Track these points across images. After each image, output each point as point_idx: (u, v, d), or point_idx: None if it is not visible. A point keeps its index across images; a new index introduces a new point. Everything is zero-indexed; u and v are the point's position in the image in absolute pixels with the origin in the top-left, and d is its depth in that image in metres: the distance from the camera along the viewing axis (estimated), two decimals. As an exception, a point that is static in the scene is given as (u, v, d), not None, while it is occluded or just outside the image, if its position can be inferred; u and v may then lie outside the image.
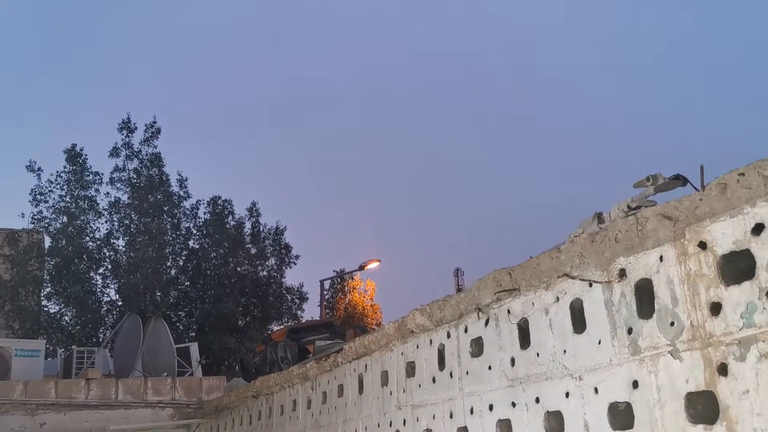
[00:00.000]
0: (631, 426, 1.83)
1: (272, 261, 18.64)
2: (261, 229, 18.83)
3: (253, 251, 18.36)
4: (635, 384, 1.82)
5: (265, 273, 18.47)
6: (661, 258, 1.78)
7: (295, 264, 18.90)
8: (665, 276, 1.76)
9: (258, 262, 18.33)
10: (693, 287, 1.68)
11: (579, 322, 2.08)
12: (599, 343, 1.97)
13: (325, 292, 19.23)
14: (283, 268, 18.71)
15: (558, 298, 2.16)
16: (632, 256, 1.87)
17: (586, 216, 2.19)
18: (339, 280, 21.54)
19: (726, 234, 1.64)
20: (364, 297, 21.94)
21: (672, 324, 1.73)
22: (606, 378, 1.93)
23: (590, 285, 2.02)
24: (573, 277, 2.07)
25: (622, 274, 1.90)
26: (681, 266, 1.72)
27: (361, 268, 19.56)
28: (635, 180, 2.00)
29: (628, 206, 1.95)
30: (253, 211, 18.78)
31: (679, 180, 1.94)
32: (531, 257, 2.29)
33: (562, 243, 2.22)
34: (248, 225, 18.69)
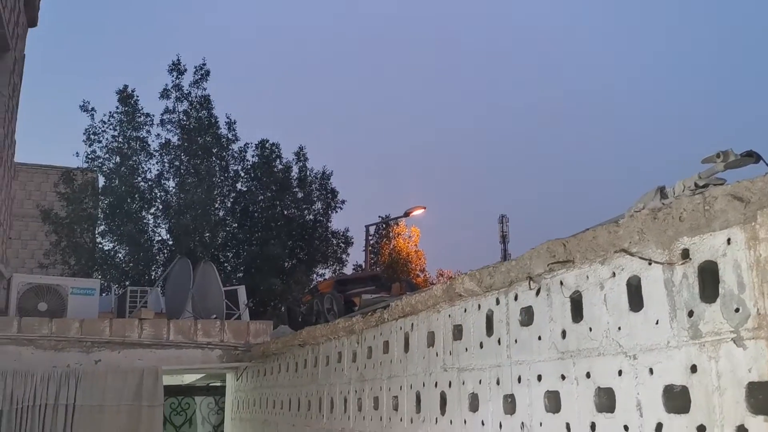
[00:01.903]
0: (686, 410, 1.78)
1: (318, 205, 18.80)
2: (308, 173, 18.92)
3: (299, 195, 18.53)
4: (693, 368, 1.76)
5: (311, 217, 18.66)
6: (728, 241, 1.70)
7: (341, 209, 19.03)
8: (732, 260, 1.68)
9: (304, 206, 18.51)
10: (762, 274, 1.60)
11: (636, 301, 2.01)
12: (657, 323, 1.91)
13: (370, 238, 19.38)
14: (329, 212, 18.87)
15: (614, 274, 2.09)
16: (697, 236, 1.79)
17: (647, 190, 2.10)
18: (384, 226, 21.64)
19: (802, 219, 1.54)
20: (408, 243, 22.04)
21: (737, 310, 1.65)
22: (662, 359, 1.87)
23: (650, 263, 1.94)
24: (632, 254, 2.00)
25: (685, 255, 1.81)
26: (750, 251, 1.63)
27: (406, 214, 19.60)
28: (704, 156, 1.89)
29: (695, 184, 1.85)
30: (300, 155, 18.85)
31: (752, 157, 1.83)
32: (587, 229, 2.22)
33: (620, 216, 2.14)
34: (295, 169, 18.80)
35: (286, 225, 17.89)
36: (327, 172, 18.78)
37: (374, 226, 20.64)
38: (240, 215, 17.91)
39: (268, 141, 18.49)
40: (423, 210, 19.33)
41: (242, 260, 17.52)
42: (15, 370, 5.82)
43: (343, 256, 18.75)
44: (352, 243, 19.03)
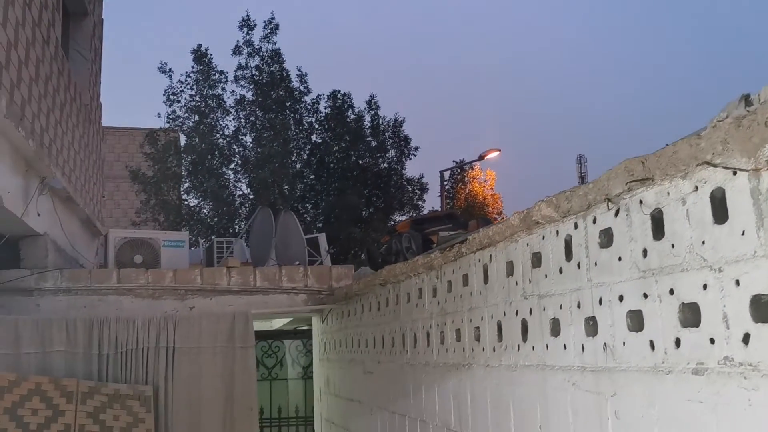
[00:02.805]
0: (775, 319, 1.75)
1: (392, 153, 18.89)
2: (380, 121, 18.98)
3: (373, 144, 18.66)
4: (782, 277, 1.72)
5: (385, 165, 18.79)
6: (818, 142, 1.63)
7: (415, 156, 19.07)
8: (823, 162, 1.61)
9: (378, 155, 18.64)
10: None
11: (720, 213, 1.96)
12: (743, 234, 1.86)
13: (445, 183, 19.36)
14: (403, 159, 18.95)
15: (696, 188, 2.04)
16: (785, 141, 1.72)
17: (731, 99, 2.02)
18: (459, 170, 21.53)
19: None
20: (484, 187, 21.89)
21: (828, 214, 1.60)
22: (749, 270, 1.84)
23: (734, 173, 1.89)
24: (715, 165, 1.94)
25: (772, 160, 1.75)
26: (843, 151, 1.56)
27: (481, 158, 19.41)
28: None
29: (783, 86, 1.77)
30: (372, 103, 18.92)
31: None
32: (667, 144, 2.16)
33: (702, 129, 2.07)
34: (367, 118, 18.91)
35: (361, 174, 18.09)
36: (399, 120, 18.78)
37: (449, 171, 20.59)
38: (316, 167, 18.22)
39: (339, 91, 18.62)
40: (498, 153, 19.10)
41: (321, 211, 17.89)
42: (117, 318, 6.23)
43: (419, 202, 18.86)
44: (428, 189, 19.10)
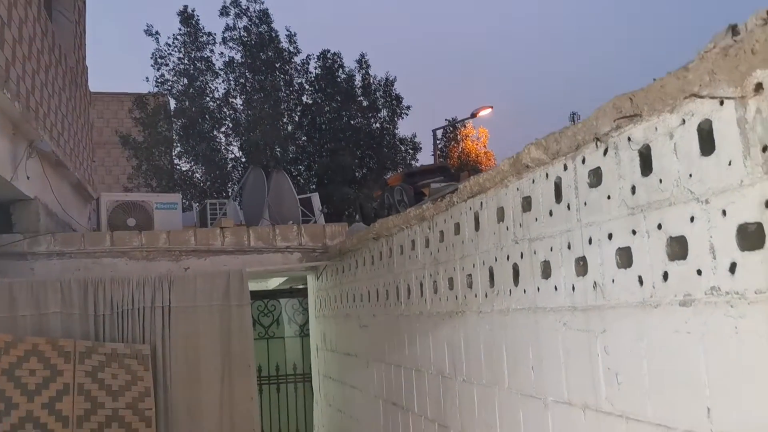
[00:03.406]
0: (761, 246, 1.76)
1: (384, 113, 18.75)
2: (371, 81, 18.81)
3: (364, 104, 18.51)
4: None
5: (377, 125, 18.69)
6: (805, 66, 1.62)
7: (407, 115, 18.95)
8: (809, 86, 1.61)
9: (370, 114, 18.52)
10: (841, 96, 1.53)
11: (707, 145, 1.96)
12: (729, 164, 1.86)
13: (438, 142, 19.30)
14: (395, 119, 18.84)
15: (684, 121, 2.04)
16: (771, 67, 1.71)
17: (718, 30, 2.00)
18: (451, 128, 21.44)
19: None
20: (477, 144, 21.83)
21: (814, 138, 1.60)
22: (735, 200, 1.84)
23: (721, 103, 1.88)
24: (702, 97, 1.94)
25: (758, 88, 1.75)
26: (829, 73, 1.56)
27: (473, 115, 19.33)
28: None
29: (769, 12, 1.75)
30: (363, 63, 18.71)
31: (833, -22, 1.71)
32: (654, 79, 2.15)
33: (690, 62, 2.06)
34: (358, 77, 18.72)
35: (353, 135, 17.99)
36: (390, 79, 18.61)
37: (441, 130, 20.50)
38: (308, 128, 18.11)
39: (329, 51, 18.40)
40: (490, 110, 19.01)
41: (314, 172, 17.84)
42: (112, 279, 6.25)
43: (412, 162, 18.81)
44: (421, 148, 19.04)
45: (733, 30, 1.93)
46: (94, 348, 5.74)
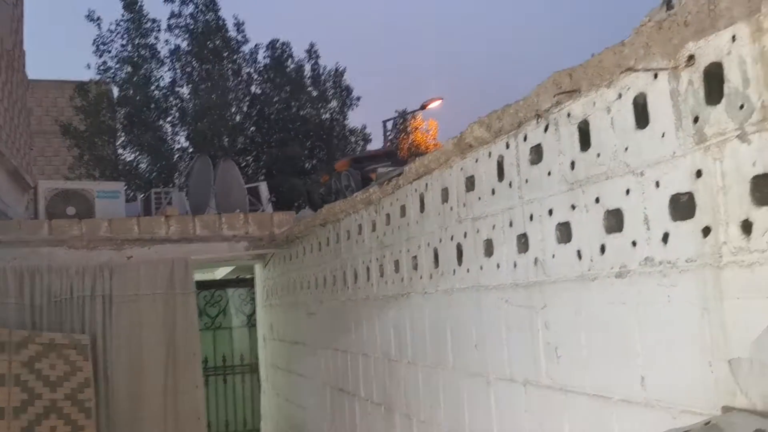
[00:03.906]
0: (692, 215, 1.81)
1: (334, 103, 18.65)
2: (321, 71, 18.68)
3: (314, 94, 18.36)
4: (699, 173, 1.77)
5: (327, 116, 18.57)
6: (733, 38, 1.66)
7: (357, 106, 18.90)
8: (737, 57, 1.65)
9: (320, 105, 18.39)
10: (767, 65, 1.57)
11: (642, 118, 2.00)
12: (662, 136, 1.90)
13: (387, 133, 19.30)
14: (345, 110, 18.75)
15: (620, 95, 2.07)
16: (702, 39, 1.75)
17: (654, 6, 2.04)
18: (401, 120, 21.47)
19: (809, 5, 1.50)
20: (427, 137, 21.92)
21: (741, 107, 1.64)
22: (668, 171, 1.88)
23: (655, 76, 1.92)
24: (637, 70, 1.97)
25: (690, 59, 1.79)
26: (755, 44, 1.60)
27: (423, 107, 19.39)
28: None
29: (701, -15, 1.79)
30: (312, 53, 18.54)
31: (761, -47, 1.75)
32: (593, 54, 2.18)
33: (627, 38, 2.09)
34: (308, 68, 18.56)
35: (303, 125, 17.84)
36: (340, 69, 18.51)
37: (391, 121, 20.51)
38: (256, 118, 17.88)
39: (278, 41, 18.18)
40: (440, 102, 19.11)
41: (263, 163, 17.64)
42: (50, 267, 6.05)
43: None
44: (371, 140, 19.02)
45: (668, 4, 1.97)
46: (30, 338, 5.56)
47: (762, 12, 1.58)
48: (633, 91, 2.03)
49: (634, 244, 2.03)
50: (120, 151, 17.28)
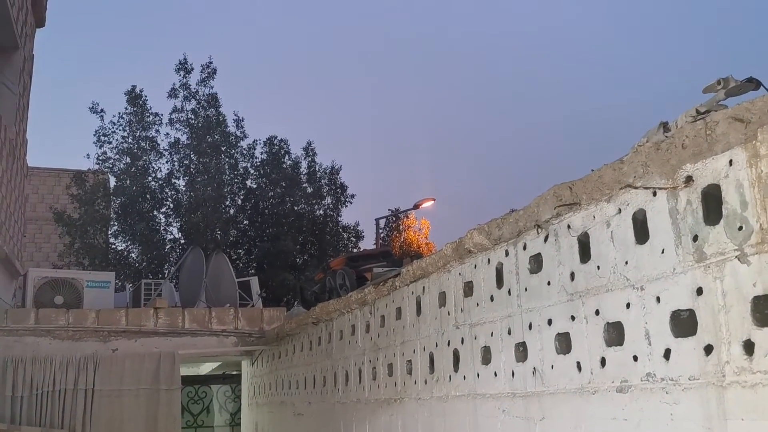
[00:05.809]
0: (693, 333, 1.81)
1: (328, 200, 18.83)
2: (317, 168, 18.97)
3: (309, 190, 18.57)
4: (699, 291, 1.80)
5: (321, 212, 18.70)
6: (730, 162, 1.73)
7: (351, 203, 19.07)
8: (734, 180, 1.71)
9: (314, 201, 18.56)
10: (764, 190, 1.63)
11: (642, 233, 2.05)
12: (662, 252, 1.94)
13: (380, 231, 19.41)
14: (339, 207, 18.92)
15: (620, 210, 2.13)
16: (700, 162, 1.82)
17: (651, 126, 2.13)
18: (394, 218, 21.67)
19: (801, 134, 1.57)
20: (419, 235, 22.06)
21: (740, 228, 1.69)
22: (669, 287, 1.91)
23: (654, 194, 1.98)
24: (636, 187, 2.03)
25: (689, 180, 1.85)
26: (752, 169, 1.66)
27: (416, 206, 19.63)
28: (705, 85, 1.92)
29: (697, 111, 1.88)
30: (309, 150, 18.90)
31: (752, 83, 1.85)
32: (593, 170, 2.25)
33: (625, 155, 2.17)
34: (304, 164, 18.84)
35: (296, 220, 17.93)
36: (336, 167, 18.82)
37: (384, 219, 20.70)
38: (250, 212, 17.98)
39: (276, 137, 18.55)
40: (432, 202, 19.37)
41: (254, 257, 17.57)
42: (34, 357, 5.91)
43: (354, 250, 18.79)
44: (363, 237, 19.08)
45: (665, 126, 2.06)
46: (6, 433, 5.36)
47: (758, 139, 1.66)
48: (632, 207, 2.08)
49: (635, 358, 2.03)
50: (111, 240, 17.24)
